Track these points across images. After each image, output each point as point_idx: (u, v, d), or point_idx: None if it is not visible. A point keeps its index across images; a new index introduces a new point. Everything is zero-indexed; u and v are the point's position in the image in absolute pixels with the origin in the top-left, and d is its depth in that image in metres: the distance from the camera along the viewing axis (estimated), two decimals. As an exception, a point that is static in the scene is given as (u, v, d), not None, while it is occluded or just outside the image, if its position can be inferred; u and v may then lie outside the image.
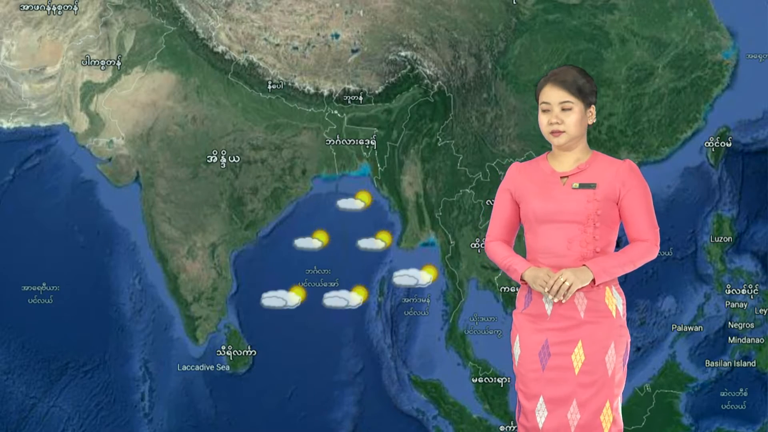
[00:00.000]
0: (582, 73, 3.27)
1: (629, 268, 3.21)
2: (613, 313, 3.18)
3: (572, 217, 3.19)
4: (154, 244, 6.84)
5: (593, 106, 3.28)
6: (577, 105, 3.23)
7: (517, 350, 3.30)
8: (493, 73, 6.74)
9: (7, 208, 6.83)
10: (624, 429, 3.27)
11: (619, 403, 3.24)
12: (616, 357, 3.16)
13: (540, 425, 3.19)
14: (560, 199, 3.22)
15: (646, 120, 6.68)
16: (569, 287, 3.12)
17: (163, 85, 6.81)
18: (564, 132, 3.23)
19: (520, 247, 3.35)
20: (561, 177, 3.25)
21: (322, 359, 6.77)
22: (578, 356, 3.15)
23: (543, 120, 3.26)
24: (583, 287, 3.17)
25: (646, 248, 3.21)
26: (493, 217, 3.43)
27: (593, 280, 3.17)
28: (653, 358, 6.67)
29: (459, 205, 6.67)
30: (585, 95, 3.24)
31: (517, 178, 3.36)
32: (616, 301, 3.20)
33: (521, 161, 3.46)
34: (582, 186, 3.20)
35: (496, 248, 3.38)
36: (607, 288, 3.19)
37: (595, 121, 3.31)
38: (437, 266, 6.63)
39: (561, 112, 3.23)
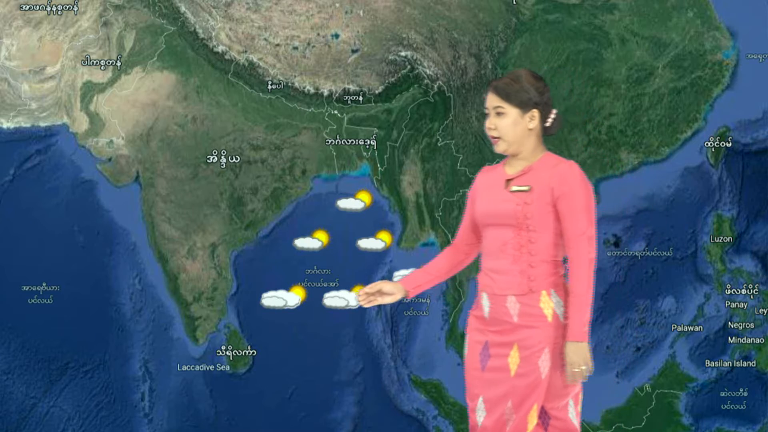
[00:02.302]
0: (524, 78, 3.27)
1: (589, 294, 3.19)
2: (549, 318, 3.17)
3: (505, 221, 3.21)
4: (154, 244, 6.84)
5: (535, 110, 3.25)
6: (509, 110, 3.23)
7: (465, 349, 3.35)
8: (493, 73, 6.74)
9: (7, 208, 6.83)
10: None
11: (570, 406, 3.25)
12: (551, 362, 3.16)
13: (479, 424, 3.24)
14: (496, 203, 3.25)
15: (646, 120, 6.68)
16: (587, 367, 3.16)
17: (163, 85, 6.81)
18: (500, 138, 3.25)
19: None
20: (507, 180, 3.27)
21: (322, 359, 6.78)
22: (514, 359, 3.17)
23: (485, 125, 3.32)
24: (517, 292, 3.18)
25: (580, 270, 3.17)
26: (462, 220, 3.51)
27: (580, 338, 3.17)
28: (653, 358, 6.67)
29: (459, 205, 6.67)
30: (520, 101, 3.23)
31: (477, 182, 3.40)
32: (554, 305, 3.19)
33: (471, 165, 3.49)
34: (518, 189, 3.21)
35: (440, 253, 3.51)
36: (543, 291, 3.18)
37: (549, 125, 3.29)
38: (437, 266, 6.62)
39: (495, 118, 3.26)
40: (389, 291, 3.40)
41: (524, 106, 3.24)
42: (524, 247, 3.18)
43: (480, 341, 3.26)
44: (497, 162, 3.40)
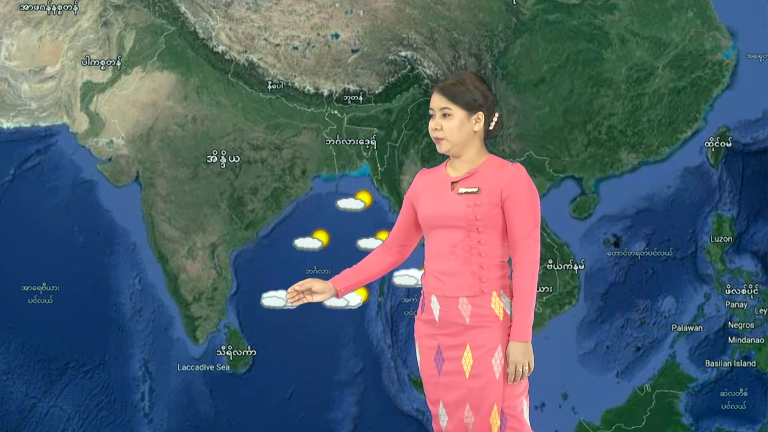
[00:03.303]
0: (470, 81, 3.28)
1: (533, 295, 3.20)
2: (500, 317, 3.19)
3: (454, 222, 3.21)
4: (154, 244, 6.84)
5: (481, 113, 3.27)
6: (456, 112, 3.25)
7: (417, 356, 3.35)
8: (493, 73, 6.74)
9: (7, 208, 6.83)
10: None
11: (524, 407, 3.25)
12: (504, 360, 3.18)
13: (443, 429, 3.26)
14: (444, 205, 3.25)
15: (646, 120, 6.68)
16: (528, 366, 3.17)
17: (163, 85, 6.81)
18: (444, 139, 3.26)
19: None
20: (452, 182, 3.28)
21: (322, 359, 6.77)
22: (467, 360, 3.18)
23: (429, 125, 3.32)
24: (469, 294, 3.19)
25: (526, 271, 3.18)
26: (396, 221, 3.51)
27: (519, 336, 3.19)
28: (653, 358, 6.67)
29: (459, 205, 6.66)
30: (466, 103, 3.25)
31: (417, 184, 3.42)
32: (504, 304, 3.20)
33: (429, 167, 3.50)
34: (466, 191, 3.22)
35: (370, 254, 3.52)
36: (494, 292, 3.20)
37: (492, 128, 3.31)
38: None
39: (441, 119, 3.26)
40: (319, 290, 3.43)
41: (471, 108, 3.26)
42: (474, 248, 3.20)
43: (432, 346, 3.27)
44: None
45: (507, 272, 3.24)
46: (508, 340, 3.18)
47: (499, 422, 3.18)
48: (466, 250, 3.21)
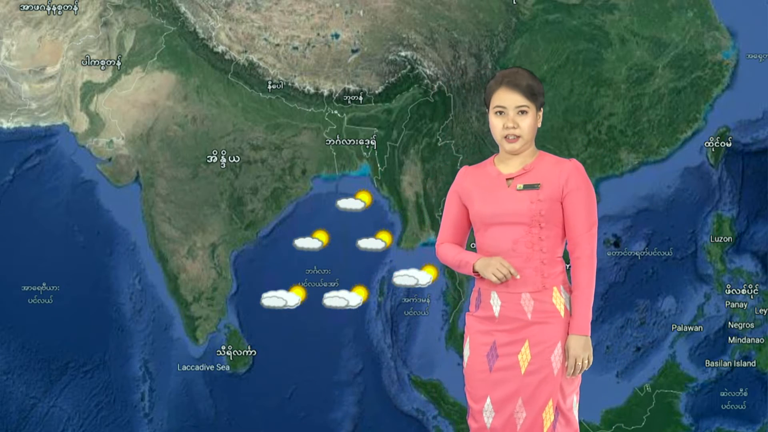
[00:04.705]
0: (533, 75, 3.27)
1: (593, 289, 3.23)
2: (561, 313, 3.20)
3: (517, 219, 3.19)
4: (154, 244, 6.84)
5: (542, 109, 3.27)
6: (531, 109, 3.22)
7: (466, 352, 3.32)
8: (493, 73, 6.74)
9: (7, 208, 6.83)
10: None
11: (573, 403, 3.26)
12: (563, 356, 3.18)
13: (488, 425, 3.22)
14: (505, 201, 3.22)
15: (646, 120, 6.68)
16: (588, 359, 3.20)
17: (163, 85, 6.81)
18: (520, 137, 3.21)
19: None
20: (507, 179, 3.26)
21: (322, 359, 6.78)
22: (524, 356, 3.17)
23: (497, 124, 3.23)
24: (532, 289, 3.18)
25: (587, 265, 3.20)
26: (444, 220, 3.47)
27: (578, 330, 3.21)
28: (653, 358, 6.67)
29: (459, 205, 6.66)
30: (537, 98, 3.23)
31: (464, 181, 3.37)
32: (564, 300, 3.22)
33: (470, 164, 3.47)
34: (526, 187, 3.20)
35: (446, 248, 3.41)
36: (555, 288, 3.20)
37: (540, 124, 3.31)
38: (437, 266, 6.63)
39: (517, 116, 3.21)
40: None
41: (539, 105, 3.26)
42: (536, 244, 3.19)
43: (486, 342, 3.24)
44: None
45: (565, 267, 3.24)
46: (567, 336, 3.19)
47: (553, 417, 3.17)
48: (528, 246, 3.19)
